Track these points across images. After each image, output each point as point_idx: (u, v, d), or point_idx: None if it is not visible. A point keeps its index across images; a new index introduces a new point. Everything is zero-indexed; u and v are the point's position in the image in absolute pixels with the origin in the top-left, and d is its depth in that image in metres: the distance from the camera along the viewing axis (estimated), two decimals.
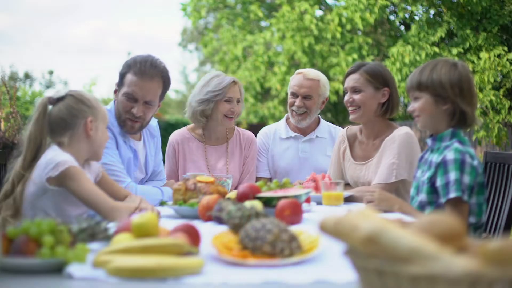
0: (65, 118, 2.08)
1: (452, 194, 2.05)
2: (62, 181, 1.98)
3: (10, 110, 6.30)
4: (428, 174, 2.16)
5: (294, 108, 3.24)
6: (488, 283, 0.85)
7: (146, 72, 2.59)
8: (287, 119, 3.40)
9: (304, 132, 3.35)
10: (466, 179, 2.05)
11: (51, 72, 15.71)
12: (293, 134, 3.34)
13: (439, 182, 2.10)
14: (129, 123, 2.65)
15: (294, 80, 3.26)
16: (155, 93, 2.63)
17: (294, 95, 3.24)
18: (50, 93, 2.16)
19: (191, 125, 3.26)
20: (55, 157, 1.99)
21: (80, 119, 2.09)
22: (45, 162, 2.00)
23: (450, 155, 2.08)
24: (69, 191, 2.00)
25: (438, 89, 2.11)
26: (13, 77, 14.89)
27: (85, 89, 14.76)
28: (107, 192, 2.17)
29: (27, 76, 15.45)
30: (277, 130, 3.39)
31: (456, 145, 2.10)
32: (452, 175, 2.05)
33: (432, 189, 2.15)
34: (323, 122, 3.42)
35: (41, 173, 1.99)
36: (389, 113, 2.83)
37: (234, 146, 3.23)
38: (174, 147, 3.20)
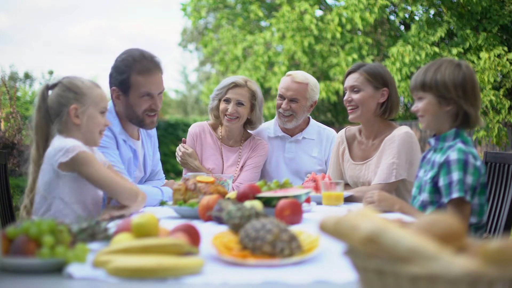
0: (53, 106, 2.11)
1: (455, 194, 2.05)
2: (74, 166, 2.02)
3: (10, 110, 6.31)
4: (430, 174, 2.16)
5: (280, 110, 3.25)
6: (488, 283, 0.85)
7: (150, 67, 2.62)
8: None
9: (291, 132, 3.35)
10: (469, 179, 2.06)
11: (51, 72, 15.67)
12: (281, 133, 3.35)
13: (441, 182, 2.10)
14: (149, 119, 2.68)
15: (283, 82, 3.27)
16: (162, 81, 2.70)
17: (281, 97, 3.24)
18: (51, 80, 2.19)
19: (211, 121, 3.35)
20: (63, 143, 2.03)
21: (65, 107, 2.10)
22: (53, 150, 2.03)
23: (453, 155, 2.08)
24: (82, 176, 2.04)
25: (441, 90, 2.11)
26: (13, 77, 14.88)
27: None
28: None
29: (27, 76, 15.43)
30: (267, 129, 3.41)
31: (460, 145, 2.11)
32: (455, 175, 2.06)
33: (435, 188, 2.15)
34: (312, 122, 3.41)
35: (51, 161, 2.03)
36: (387, 113, 2.83)
37: (244, 150, 3.28)
38: (192, 137, 3.29)
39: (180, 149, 3.23)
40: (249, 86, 3.16)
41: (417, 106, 2.18)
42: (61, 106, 2.10)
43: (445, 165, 2.09)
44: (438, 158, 2.15)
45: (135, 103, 2.63)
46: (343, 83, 10.50)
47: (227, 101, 3.14)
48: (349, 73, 2.85)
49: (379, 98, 2.80)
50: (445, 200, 2.09)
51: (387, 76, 2.82)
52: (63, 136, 2.09)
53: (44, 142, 2.11)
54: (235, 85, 3.14)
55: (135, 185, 2.16)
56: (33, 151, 2.14)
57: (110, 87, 2.70)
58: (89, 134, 2.13)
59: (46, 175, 2.06)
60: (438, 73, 2.12)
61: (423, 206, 2.20)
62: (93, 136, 2.15)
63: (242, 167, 3.24)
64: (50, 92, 2.15)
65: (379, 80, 2.79)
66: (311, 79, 3.26)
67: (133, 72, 2.60)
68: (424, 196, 2.18)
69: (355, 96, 2.79)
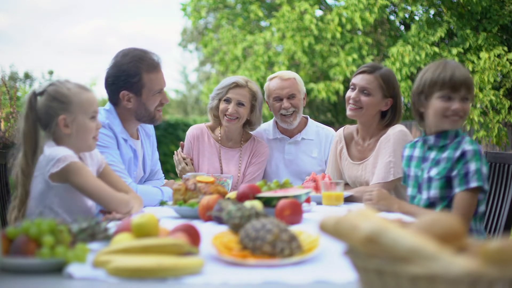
0: (42, 117, 2.07)
1: (473, 184, 2.09)
2: (64, 176, 1.99)
3: (10, 110, 6.31)
4: (438, 170, 2.17)
5: (282, 111, 3.23)
6: (488, 283, 0.85)
7: (155, 64, 2.67)
8: (276, 121, 3.39)
9: (290, 133, 3.35)
10: (484, 169, 2.12)
11: (51, 72, 15.69)
12: (280, 135, 3.35)
13: (457, 172, 2.13)
14: (158, 114, 2.74)
15: (273, 85, 3.25)
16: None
17: (279, 99, 3.23)
18: (37, 87, 2.14)
19: (210, 123, 3.33)
20: (55, 153, 2.00)
21: (53, 118, 2.05)
22: (45, 159, 2.01)
23: (468, 146, 2.13)
24: (73, 186, 2.01)
25: (472, 92, 2.17)
26: (13, 77, 14.88)
27: None
28: (107, 185, 2.20)
29: (27, 76, 15.44)
30: (265, 131, 3.41)
31: (468, 138, 2.18)
32: (473, 166, 2.10)
33: (446, 184, 2.16)
34: (311, 123, 3.40)
35: (43, 171, 2.01)
36: (389, 121, 2.82)
37: (245, 152, 3.26)
38: (190, 140, 3.28)
39: (180, 163, 3.20)
40: (250, 86, 3.15)
41: (463, 106, 2.16)
42: (49, 116, 2.05)
43: (463, 157, 2.12)
44: (448, 154, 2.17)
45: (148, 101, 2.66)
46: (343, 81, 10.31)
47: (228, 101, 3.13)
48: (364, 72, 2.80)
49: (383, 106, 2.80)
50: (458, 189, 2.11)
51: (396, 86, 2.81)
52: (56, 143, 2.06)
53: (32, 151, 2.05)
54: (236, 85, 3.13)
55: (125, 195, 2.12)
56: (21, 160, 2.07)
57: (117, 91, 2.66)
58: (81, 142, 2.09)
59: (37, 185, 2.03)
60: (468, 73, 2.17)
61: (432, 204, 2.20)
62: (86, 142, 2.11)
63: (244, 170, 3.23)
64: (39, 98, 2.08)
65: (390, 89, 2.78)
66: (295, 74, 3.32)
67: (144, 72, 2.63)
68: (432, 193, 2.18)
69: (364, 99, 2.77)
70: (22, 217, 2.05)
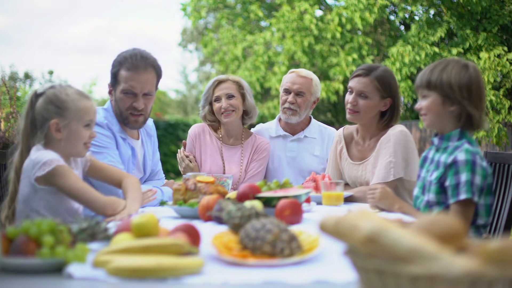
0: (38, 118, 2.07)
1: (463, 196, 2.04)
2: (50, 180, 1.99)
3: (10, 110, 6.30)
4: (436, 174, 2.15)
5: (286, 105, 3.27)
6: (488, 283, 0.85)
7: (139, 65, 2.62)
8: (279, 119, 3.41)
9: (293, 131, 3.37)
10: (477, 180, 2.05)
11: (51, 72, 15.68)
12: (282, 133, 3.36)
13: (449, 182, 2.08)
14: (132, 118, 2.68)
15: (287, 77, 3.31)
16: (151, 83, 2.67)
17: (287, 91, 3.28)
18: (40, 87, 2.14)
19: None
20: (41, 156, 2.00)
21: (47, 121, 2.05)
22: (31, 162, 2.01)
23: (461, 155, 2.06)
24: (59, 189, 2.01)
25: (446, 90, 2.09)
26: (13, 77, 14.87)
27: (85, 89, 14.73)
28: (101, 179, 2.19)
29: (27, 76, 15.43)
30: (268, 129, 3.42)
31: (467, 146, 2.09)
32: (463, 176, 2.04)
33: (441, 189, 2.13)
34: (314, 122, 3.43)
35: (29, 174, 2.01)
36: (387, 121, 2.82)
37: (246, 149, 3.28)
38: (192, 139, 3.30)
39: (184, 160, 3.23)
40: (232, 79, 3.23)
41: (421, 104, 2.16)
42: (43, 118, 2.06)
43: (453, 166, 2.07)
44: (444, 158, 2.13)
45: (119, 98, 2.65)
46: (343, 81, 10.31)
47: (218, 99, 3.18)
48: (359, 75, 2.79)
49: (382, 106, 2.79)
50: (451, 200, 2.08)
51: (393, 85, 2.79)
52: (44, 147, 2.06)
53: (27, 151, 2.07)
54: (218, 82, 3.21)
55: (111, 197, 2.10)
56: (17, 157, 2.10)
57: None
58: (71, 148, 2.09)
59: (24, 188, 2.03)
60: (444, 73, 2.10)
61: (429, 207, 2.18)
62: (76, 149, 2.10)
63: (246, 167, 3.24)
64: (39, 98, 2.09)
65: (387, 90, 2.77)
66: (314, 76, 3.33)
67: (122, 68, 2.63)
68: (430, 196, 2.16)
69: (361, 102, 2.76)
70: (12, 215, 2.06)
